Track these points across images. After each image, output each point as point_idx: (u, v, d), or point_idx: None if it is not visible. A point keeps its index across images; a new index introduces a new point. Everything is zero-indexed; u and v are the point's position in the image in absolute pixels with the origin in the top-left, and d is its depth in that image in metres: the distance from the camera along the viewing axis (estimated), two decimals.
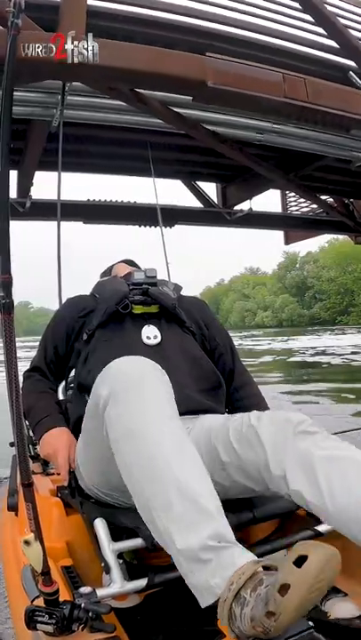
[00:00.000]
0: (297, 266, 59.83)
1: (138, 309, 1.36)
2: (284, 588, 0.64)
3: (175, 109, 1.75)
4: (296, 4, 2.04)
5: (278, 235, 4.75)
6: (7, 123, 0.67)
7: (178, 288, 1.51)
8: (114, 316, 1.33)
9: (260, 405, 1.40)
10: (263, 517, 1.08)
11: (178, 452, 0.83)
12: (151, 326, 1.33)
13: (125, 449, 0.85)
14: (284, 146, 2.20)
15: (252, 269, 78.27)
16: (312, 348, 17.24)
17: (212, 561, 0.73)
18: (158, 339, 1.31)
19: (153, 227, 3.50)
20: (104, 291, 1.43)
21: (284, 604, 0.64)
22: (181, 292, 1.52)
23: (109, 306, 1.33)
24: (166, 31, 1.67)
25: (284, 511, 1.11)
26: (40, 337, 1.44)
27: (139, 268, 1.64)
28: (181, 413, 0.94)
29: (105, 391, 0.90)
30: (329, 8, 2.08)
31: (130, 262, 1.68)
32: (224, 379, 1.38)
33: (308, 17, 2.06)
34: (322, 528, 1.09)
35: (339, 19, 2.08)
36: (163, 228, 3.17)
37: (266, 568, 0.72)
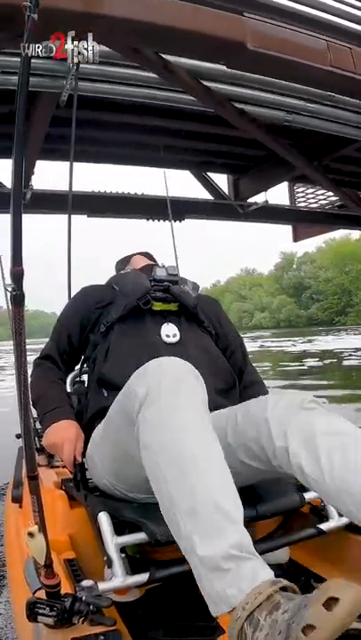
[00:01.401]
0: (294, 266, 59.77)
1: (157, 306, 1.33)
2: (309, 628, 0.62)
3: (203, 82, 1.55)
4: None
5: (275, 235, 4.61)
6: (22, 114, 0.68)
7: (196, 287, 1.46)
8: (134, 311, 1.30)
9: None
10: (266, 514, 1.07)
11: (208, 458, 0.83)
12: (170, 324, 1.31)
13: (156, 448, 0.84)
14: (314, 128, 2.01)
15: (247, 270, 78.10)
16: (355, 349, 14.55)
17: (232, 571, 0.72)
18: (177, 337, 1.29)
19: (161, 220, 3.31)
20: (125, 283, 1.38)
21: None
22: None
23: (130, 301, 1.30)
24: None
25: (287, 508, 1.11)
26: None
27: (155, 261, 1.60)
28: None
29: (142, 390, 0.90)
30: None
31: (147, 255, 1.63)
32: None
33: None
34: (325, 526, 1.11)
35: None
36: (172, 221, 2.99)
37: (283, 589, 0.70)
